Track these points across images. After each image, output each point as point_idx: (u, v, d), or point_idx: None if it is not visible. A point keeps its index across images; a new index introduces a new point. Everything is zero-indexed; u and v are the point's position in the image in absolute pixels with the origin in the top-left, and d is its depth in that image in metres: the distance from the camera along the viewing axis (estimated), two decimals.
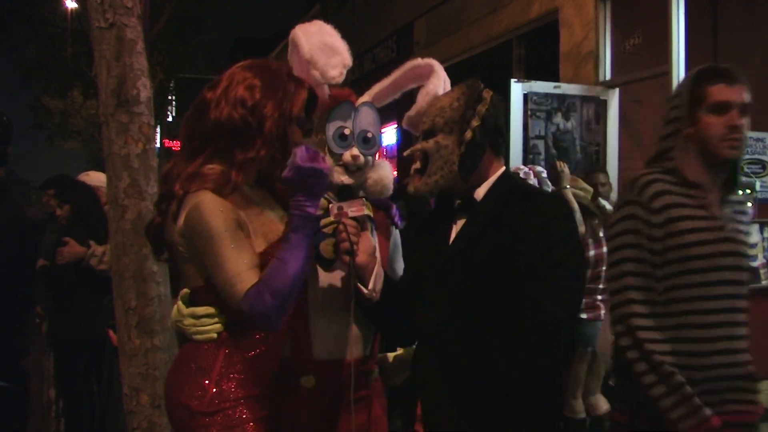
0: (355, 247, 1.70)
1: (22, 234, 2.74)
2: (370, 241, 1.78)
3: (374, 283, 1.74)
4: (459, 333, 1.65)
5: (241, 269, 1.50)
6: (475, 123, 1.69)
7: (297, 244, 1.53)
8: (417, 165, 1.77)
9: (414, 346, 2.03)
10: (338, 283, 1.82)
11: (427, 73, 1.94)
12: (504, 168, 1.79)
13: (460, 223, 1.75)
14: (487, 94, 1.74)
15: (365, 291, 1.74)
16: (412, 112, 1.95)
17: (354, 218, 1.73)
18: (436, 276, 1.72)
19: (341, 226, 1.72)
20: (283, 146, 1.63)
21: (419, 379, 1.77)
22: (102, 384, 3.93)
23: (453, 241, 1.73)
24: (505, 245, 1.60)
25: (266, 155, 1.62)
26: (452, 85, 1.98)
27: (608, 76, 5.62)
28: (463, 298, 1.66)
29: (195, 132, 1.65)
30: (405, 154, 1.86)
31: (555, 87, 5.30)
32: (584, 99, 5.37)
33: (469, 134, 1.68)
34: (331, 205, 1.74)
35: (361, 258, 1.72)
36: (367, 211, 1.74)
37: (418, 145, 1.76)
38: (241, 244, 1.53)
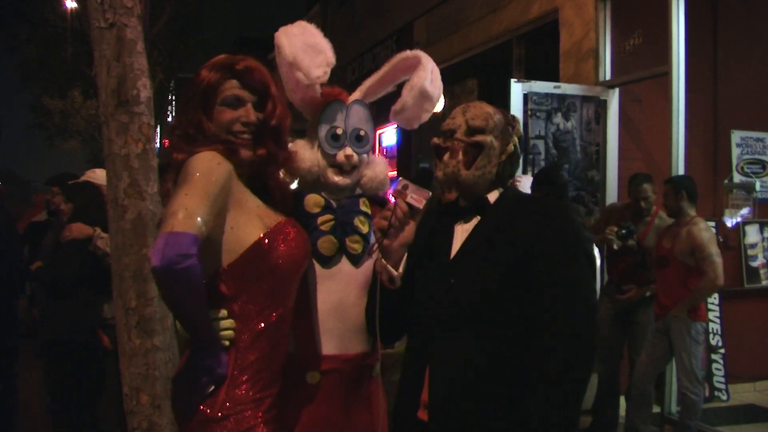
0: (392, 230, 1.67)
1: (10, 237, 2.74)
2: (412, 234, 1.74)
3: (402, 268, 1.75)
4: (477, 326, 1.66)
5: (178, 209, 1.44)
6: (515, 140, 1.80)
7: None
8: (461, 156, 1.74)
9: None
10: (342, 279, 1.83)
11: (415, 65, 1.93)
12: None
13: (468, 223, 1.77)
14: (517, 119, 1.85)
15: (395, 274, 1.72)
16: (397, 106, 1.94)
17: (410, 206, 1.67)
18: (445, 274, 1.72)
19: (392, 204, 1.68)
20: (203, 132, 1.64)
21: (432, 371, 1.74)
22: (93, 384, 3.93)
23: (465, 243, 1.74)
24: (522, 255, 1.64)
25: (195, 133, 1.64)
26: (449, 83, 1.98)
27: (608, 76, 5.62)
28: (478, 292, 1.67)
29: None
30: (442, 142, 1.78)
31: (555, 87, 5.30)
32: (584, 99, 5.37)
33: (511, 147, 1.78)
34: (401, 179, 1.72)
35: (396, 245, 1.70)
36: (424, 204, 1.70)
37: (478, 137, 1.74)
38: (204, 195, 1.48)
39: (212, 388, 1.53)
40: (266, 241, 1.59)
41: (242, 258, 1.57)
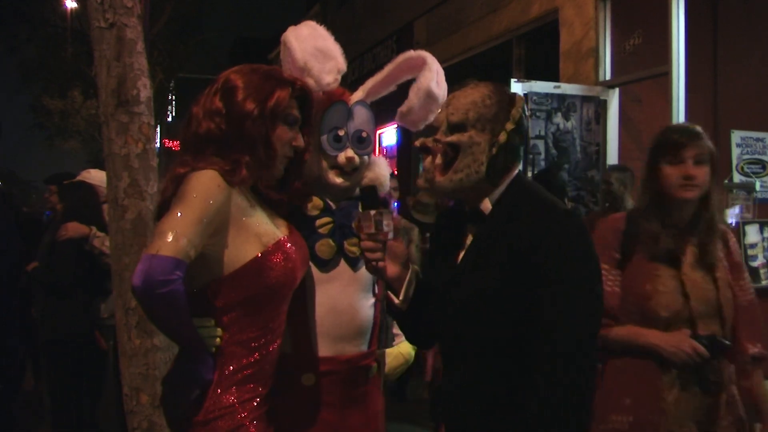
0: (380, 263, 1.64)
1: (11, 237, 2.74)
2: (404, 250, 1.71)
3: (405, 293, 1.69)
4: (483, 346, 1.60)
5: (168, 229, 1.43)
6: (509, 126, 1.59)
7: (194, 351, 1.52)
8: (438, 160, 1.63)
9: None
10: (339, 282, 1.82)
11: (420, 65, 1.91)
12: (516, 173, 1.67)
13: (471, 233, 1.68)
14: (519, 98, 1.66)
15: (397, 302, 1.69)
16: (404, 108, 1.91)
17: (381, 231, 1.63)
18: (448, 290, 1.66)
19: (368, 254, 1.65)
20: (267, 146, 1.61)
21: (443, 398, 1.71)
22: (92, 384, 3.93)
23: (463, 256, 1.67)
24: (520, 264, 1.52)
25: (251, 159, 1.59)
26: (449, 83, 1.96)
27: (608, 76, 5.62)
28: (475, 314, 1.60)
29: (186, 145, 1.65)
30: (428, 142, 1.67)
31: (555, 87, 5.30)
32: (584, 99, 5.37)
33: (503, 137, 1.59)
34: (374, 212, 1.63)
35: (392, 270, 1.67)
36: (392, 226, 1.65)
37: (453, 137, 1.60)
38: (197, 217, 1.47)
39: (198, 392, 1.53)
40: (262, 260, 1.57)
41: (236, 274, 1.56)
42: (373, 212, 1.63)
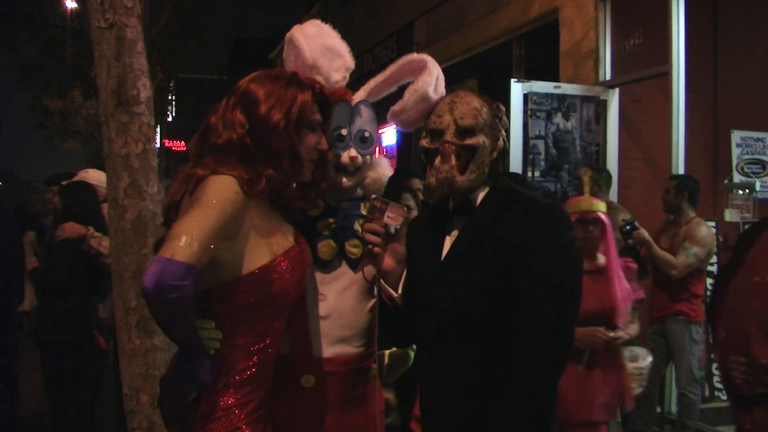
0: (376, 249, 1.71)
1: (9, 234, 2.74)
2: (403, 251, 1.77)
3: (401, 288, 1.77)
4: (460, 340, 1.67)
5: (182, 233, 1.42)
6: (503, 133, 1.76)
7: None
8: (454, 161, 1.70)
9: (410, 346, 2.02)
10: (340, 283, 1.82)
11: (421, 68, 1.90)
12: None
13: (457, 226, 1.76)
14: (502, 106, 1.80)
15: (395, 295, 1.75)
16: (397, 107, 1.90)
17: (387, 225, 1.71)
18: (434, 280, 1.72)
19: (367, 235, 1.72)
20: (293, 158, 1.61)
21: (421, 383, 1.77)
22: (91, 384, 3.93)
23: (451, 247, 1.73)
24: (507, 255, 1.62)
25: (274, 171, 1.59)
26: (449, 83, 1.96)
27: (608, 76, 5.62)
28: (462, 302, 1.66)
29: (202, 152, 1.62)
30: (447, 141, 1.73)
31: (555, 87, 5.30)
32: (584, 99, 5.38)
33: (501, 143, 1.74)
34: (374, 197, 1.72)
35: (388, 263, 1.74)
36: (401, 221, 1.72)
37: (471, 140, 1.70)
38: (212, 224, 1.46)
39: (194, 394, 1.53)
40: (270, 268, 1.58)
41: (242, 280, 1.55)
42: (376, 197, 1.72)
